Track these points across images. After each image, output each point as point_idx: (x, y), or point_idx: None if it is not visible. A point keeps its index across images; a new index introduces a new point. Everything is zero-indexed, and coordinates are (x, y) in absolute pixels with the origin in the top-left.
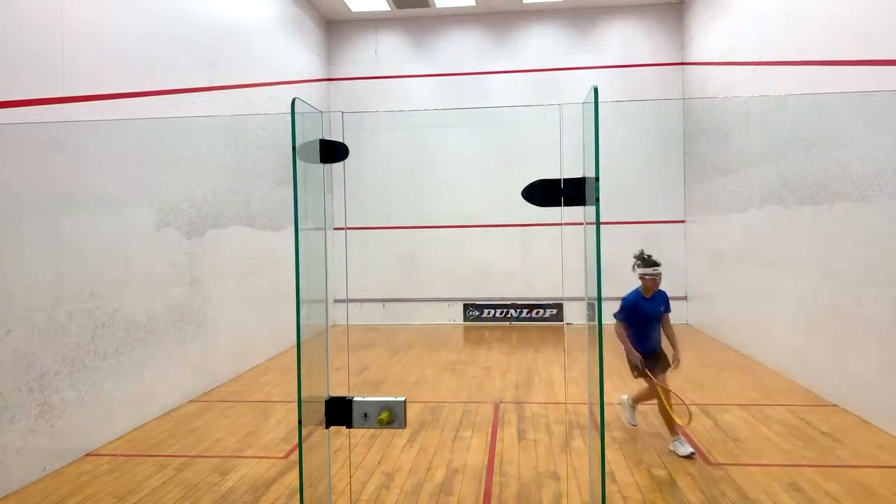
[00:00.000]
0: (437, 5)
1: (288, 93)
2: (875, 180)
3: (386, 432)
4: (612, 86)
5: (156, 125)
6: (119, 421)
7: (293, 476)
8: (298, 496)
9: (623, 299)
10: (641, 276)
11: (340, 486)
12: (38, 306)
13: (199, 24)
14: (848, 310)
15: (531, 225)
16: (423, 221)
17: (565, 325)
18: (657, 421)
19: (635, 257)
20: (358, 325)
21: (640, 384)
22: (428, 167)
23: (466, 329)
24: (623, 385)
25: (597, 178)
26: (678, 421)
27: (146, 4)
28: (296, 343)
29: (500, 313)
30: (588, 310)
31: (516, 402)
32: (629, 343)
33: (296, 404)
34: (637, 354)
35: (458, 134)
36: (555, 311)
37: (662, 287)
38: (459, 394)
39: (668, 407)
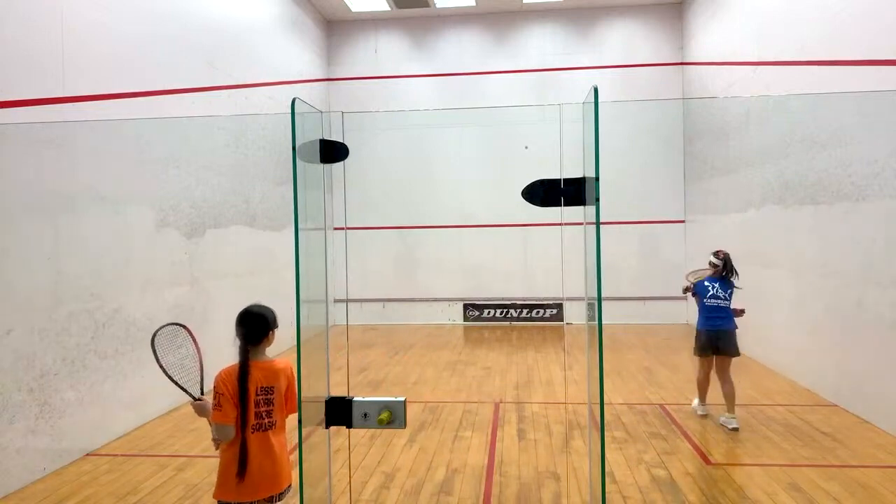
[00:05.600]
0: (437, 5)
1: (288, 93)
2: (875, 180)
3: (386, 432)
4: (612, 86)
5: (156, 125)
6: (119, 421)
7: (293, 476)
8: (298, 496)
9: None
10: None
11: (340, 486)
12: (38, 306)
13: (199, 24)
14: (848, 310)
15: (531, 225)
16: (423, 221)
17: (565, 325)
18: (657, 421)
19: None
20: (358, 325)
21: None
22: (428, 167)
23: (466, 329)
24: (622, 384)
25: (597, 178)
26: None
27: (146, 4)
28: (296, 343)
29: (500, 313)
30: (588, 310)
31: (516, 402)
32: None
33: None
34: None
35: (458, 134)
36: (555, 311)
37: (662, 285)
38: (459, 394)
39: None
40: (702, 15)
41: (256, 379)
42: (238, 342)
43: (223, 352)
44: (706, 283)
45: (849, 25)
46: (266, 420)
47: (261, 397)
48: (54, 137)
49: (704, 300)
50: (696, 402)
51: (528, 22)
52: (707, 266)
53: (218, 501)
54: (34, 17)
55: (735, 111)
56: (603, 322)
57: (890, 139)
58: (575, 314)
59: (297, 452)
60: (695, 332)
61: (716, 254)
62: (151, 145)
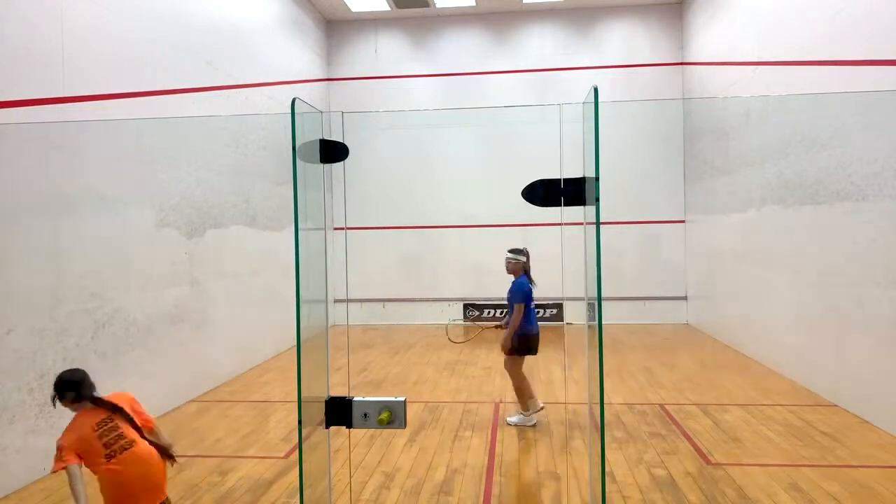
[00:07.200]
0: (437, 5)
1: (288, 93)
2: (875, 180)
3: (386, 432)
4: (612, 86)
5: (156, 125)
6: None
7: (293, 476)
8: (298, 496)
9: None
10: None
11: (340, 486)
12: (38, 306)
13: (199, 24)
14: (848, 310)
15: (531, 225)
16: (423, 221)
17: (565, 325)
18: (657, 421)
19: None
20: (358, 325)
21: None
22: (428, 167)
23: (466, 329)
24: (622, 384)
25: (597, 178)
26: None
27: (146, 4)
28: (296, 343)
29: (501, 313)
30: (588, 310)
31: (516, 403)
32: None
33: (296, 404)
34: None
35: (458, 134)
36: (555, 311)
37: (662, 285)
38: (459, 394)
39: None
40: (702, 15)
41: (91, 420)
42: (74, 404)
43: (223, 350)
44: (529, 286)
45: (849, 25)
46: (120, 443)
47: (102, 429)
48: (54, 137)
49: (534, 303)
50: (529, 411)
51: (528, 22)
52: (514, 266)
53: None
54: (34, 17)
55: (735, 111)
56: (603, 322)
57: (890, 139)
58: (575, 314)
59: (296, 452)
60: (521, 336)
61: (520, 251)
62: (151, 145)
